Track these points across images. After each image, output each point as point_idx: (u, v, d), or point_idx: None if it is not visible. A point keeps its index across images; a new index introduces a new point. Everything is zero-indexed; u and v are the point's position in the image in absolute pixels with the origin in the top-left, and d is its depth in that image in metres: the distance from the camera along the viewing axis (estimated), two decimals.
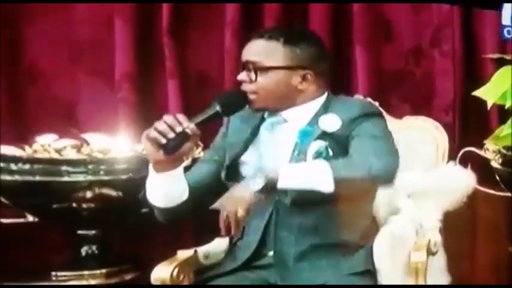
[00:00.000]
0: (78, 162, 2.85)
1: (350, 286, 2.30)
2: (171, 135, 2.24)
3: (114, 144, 2.95)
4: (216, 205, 2.53)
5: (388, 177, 2.26)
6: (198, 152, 2.91)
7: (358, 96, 2.90)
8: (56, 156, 2.85)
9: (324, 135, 2.34)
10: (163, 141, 2.24)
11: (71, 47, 3.28)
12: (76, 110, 3.26)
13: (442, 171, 2.72)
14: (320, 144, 2.33)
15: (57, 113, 3.24)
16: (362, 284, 2.32)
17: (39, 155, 2.86)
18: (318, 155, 2.32)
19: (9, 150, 2.88)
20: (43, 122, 3.18)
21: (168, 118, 2.25)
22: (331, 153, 2.32)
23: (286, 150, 2.36)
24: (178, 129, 2.24)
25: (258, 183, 2.21)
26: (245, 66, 2.38)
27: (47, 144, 2.87)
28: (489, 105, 2.91)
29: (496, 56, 3.03)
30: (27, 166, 2.83)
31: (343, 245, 2.35)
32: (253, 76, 2.36)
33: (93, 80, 3.27)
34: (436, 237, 2.53)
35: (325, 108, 2.40)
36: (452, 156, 2.83)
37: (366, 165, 2.22)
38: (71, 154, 2.86)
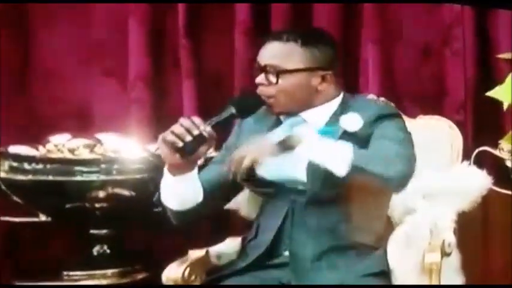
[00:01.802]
0: (91, 162, 2.86)
1: (359, 286, 2.29)
2: (188, 138, 2.23)
3: (127, 144, 2.96)
4: (230, 205, 2.53)
5: (400, 184, 2.25)
6: (210, 153, 2.90)
7: (372, 96, 2.90)
8: (69, 156, 2.86)
9: (345, 134, 2.32)
10: (181, 144, 2.23)
11: (85, 47, 3.29)
12: (90, 110, 3.27)
13: (457, 171, 2.69)
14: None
15: (71, 113, 3.25)
16: (372, 284, 2.31)
17: (52, 155, 2.87)
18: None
19: (23, 150, 2.91)
20: (57, 121, 3.19)
21: (184, 121, 2.24)
22: None
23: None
24: (195, 132, 2.23)
25: (280, 136, 2.19)
26: (263, 69, 2.35)
27: (61, 144, 2.88)
28: (505, 106, 2.90)
29: (508, 55, 3.00)
30: (40, 166, 2.85)
31: (359, 247, 2.33)
32: (273, 79, 2.34)
33: (107, 80, 3.28)
34: (451, 238, 2.51)
35: (343, 108, 2.39)
36: (466, 156, 2.81)
37: (383, 165, 2.20)
38: (84, 154, 2.87)
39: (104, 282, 2.92)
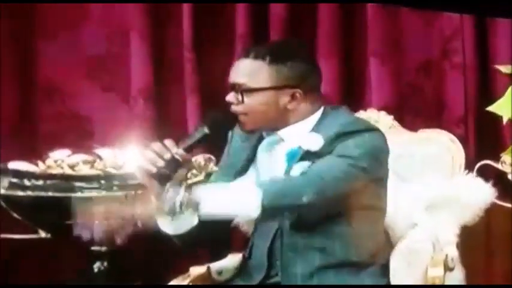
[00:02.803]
0: (92, 177, 2.84)
1: (357, 286, 2.28)
2: (160, 163, 2.18)
3: (127, 160, 2.93)
4: (235, 223, 2.51)
5: (311, 207, 2.20)
6: (211, 168, 2.89)
7: (372, 110, 2.89)
8: (69, 172, 2.84)
9: (308, 154, 2.27)
10: (154, 170, 2.18)
11: (86, 62, 3.28)
12: (91, 125, 3.25)
13: (459, 184, 2.68)
14: (304, 165, 2.27)
15: (72, 129, 3.23)
16: (373, 284, 2.29)
17: (52, 171, 2.85)
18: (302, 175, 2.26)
19: (22, 166, 2.88)
20: (57, 137, 3.17)
21: (155, 145, 2.20)
22: None
23: (280, 173, 2.31)
24: (167, 156, 2.18)
25: (171, 199, 2.15)
26: (232, 87, 2.32)
27: (60, 159, 2.86)
28: (505, 120, 2.89)
29: (506, 68, 2.99)
30: (40, 182, 2.82)
31: (350, 264, 2.30)
32: (240, 98, 2.30)
33: (109, 95, 3.26)
34: (453, 252, 2.50)
35: (320, 124, 2.33)
36: (468, 169, 2.79)
37: (293, 195, 2.18)
38: (84, 170, 2.85)
39: None
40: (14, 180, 2.84)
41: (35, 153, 2.96)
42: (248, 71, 2.30)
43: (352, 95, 3.17)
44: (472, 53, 3.12)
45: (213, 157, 2.86)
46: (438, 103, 3.17)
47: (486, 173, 2.88)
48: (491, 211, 2.67)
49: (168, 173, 2.18)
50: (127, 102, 3.23)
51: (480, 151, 3.08)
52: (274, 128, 2.34)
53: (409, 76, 3.19)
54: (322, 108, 2.36)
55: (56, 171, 2.84)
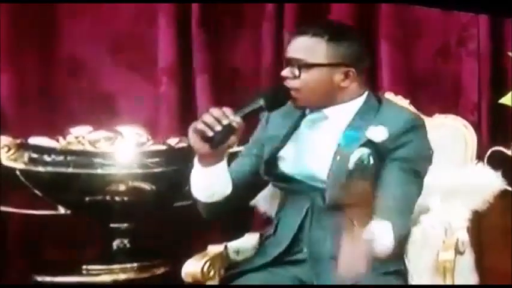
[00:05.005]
0: (112, 154, 2.84)
1: (374, 286, 2.30)
2: (218, 128, 2.25)
3: (148, 137, 2.94)
4: (253, 202, 2.54)
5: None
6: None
7: (389, 94, 2.92)
8: (89, 148, 2.84)
9: (368, 143, 2.33)
10: (210, 133, 2.25)
11: (111, 39, 3.27)
12: (113, 102, 3.25)
13: (471, 171, 2.72)
14: (363, 151, 2.30)
15: (94, 105, 3.22)
16: (378, 284, 2.32)
17: (73, 147, 2.84)
18: (360, 161, 2.29)
19: (43, 141, 2.87)
20: (79, 113, 3.17)
21: (214, 111, 2.26)
22: (371, 161, 2.30)
23: (327, 151, 2.35)
24: (225, 121, 2.25)
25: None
26: (289, 62, 2.39)
27: (81, 136, 2.86)
28: None
29: None
30: (60, 158, 2.83)
31: None
32: (296, 72, 2.36)
33: (133, 73, 3.25)
34: (464, 237, 2.54)
35: (366, 107, 2.41)
36: (480, 156, 2.83)
37: (404, 222, 2.30)
38: (104, 146, 2.85)
39: (123, 276, 2.90)
40: (34, 155, 2.85)
41: (56, 129, 2.95)
42: (306, 47, 2.37)
43: (369, 79, 3.18)
44: (487, 40, 3.14)
45: None
46: (454, 89, 3.19)
47: (498, 160, 2.91)
48: (501, 197, 2.69)
49: (222, 138, 2.24)
50: (149, 81, 3.22)
51: (495, 137, 3.11)
52: (321, 106, 2.41)
53: (426, 62, 3.20)
54: (366, 92, 2.45)
55: (76, 147, 2.84)
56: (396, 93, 2.94)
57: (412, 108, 2.88)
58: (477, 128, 3.01)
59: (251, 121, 2.40)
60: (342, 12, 3.18)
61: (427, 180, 2.52)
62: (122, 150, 2.87)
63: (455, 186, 2.65)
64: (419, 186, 2.39)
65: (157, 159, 2.90)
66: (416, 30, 3.21)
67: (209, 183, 2.35)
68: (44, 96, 3.22)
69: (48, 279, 2.85)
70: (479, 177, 2.69)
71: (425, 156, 2.40)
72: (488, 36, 3.15)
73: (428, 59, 3.21)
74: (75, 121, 2.97)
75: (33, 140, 2.89)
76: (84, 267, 2.94)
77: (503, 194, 2.72)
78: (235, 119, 2.27)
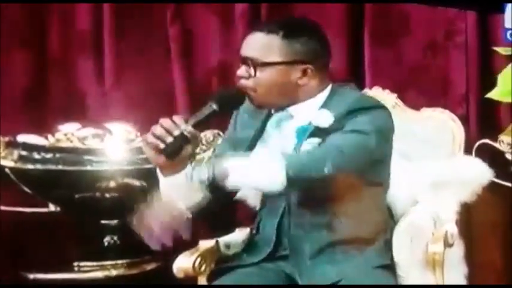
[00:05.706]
0: (101, 151, 2.85)
1: (363, 286, 2.29)
2: (169, 139, 2.18)
3: (136, 134, 2.95)
4: (238, 195, 2.54)
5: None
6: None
7: (377, 88, 2.92)
8: (79, 145, 2.84)
9: (318, 131, 2.29)
10: (162, 145, 2.18)
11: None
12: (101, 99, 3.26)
13: (459, 163, 2.73)
14: (313, 141, 2.28)
15: (81, 103, 3.23)
16: (371, 284, 2.31)
17: (62, 144, 2.85)
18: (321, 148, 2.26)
19: (32, 138, 2.88)
20: (66, 111, 3.17)
21: (164, 121, 2.19)
22: None
23: (290, 149, 2.31)
24: (176, 132, 2.18)
25: (203, 174, 2.15)
26: (244, 61, 2.32)
27: (70, 133, 2.86)
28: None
29: (505, 50, 3.02)
30: (49, 155, 2.83)
31: (357, 241, 2.33)
32: (252, 72, 2.29)
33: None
34: (453, 229, 2.53)
35: (330, 101, 2.34)
36: (467, 149, 2.85)
37: (315, 166, 2.17)
38: (93, 143, 2.85)
39: (114, 272, 2.91)
40: (24, 153, 2.85)
41: (44, 127, 2.96)
42: (261, 45, 2.30)
43: (357, 74, 3.20)
44: (475, 33, 3.15)
45: (221, 133, 2.86)
46: (441, 82, 3.20)
47: (485, 152, 2.94)
48: (488, 189, 2.70)
49: (176, 149, 2.18)
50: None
51: (482, 130, 3.13)
52: (283, 105, 2.35)
53: (414, 55, 3.22)
54: (330, 86, 2.38)
55: (65, 144, 2.84)
56: (384, 88, 2.95)
57: (399, 102, 2.90)
58: (465, 121, 3.02)
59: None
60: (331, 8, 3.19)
61: (416, 172, 2.54)
62: (111, 147, 2.87)
63: (444, 178, 2.65)
64: (366, 151, 2.26)
65: (146, 156, 2.89)
66: (403, 24, 3.21)
67: (173, 192, 2.25)
68: (32, 93, 3.23)
69: (39, 276, 2.85)
70: (468, 169, 2.69)
71: (377, 131, 2.27)
72: (476, 29, 3.16)
73: (416, 53, 3.21)
74: (63, 118, 2.98)
75: (22, 138, 2.89)
76: (75, 264, 2.95)
77: (491, 186, 2.75)
78: (187, 128, 2.19)
